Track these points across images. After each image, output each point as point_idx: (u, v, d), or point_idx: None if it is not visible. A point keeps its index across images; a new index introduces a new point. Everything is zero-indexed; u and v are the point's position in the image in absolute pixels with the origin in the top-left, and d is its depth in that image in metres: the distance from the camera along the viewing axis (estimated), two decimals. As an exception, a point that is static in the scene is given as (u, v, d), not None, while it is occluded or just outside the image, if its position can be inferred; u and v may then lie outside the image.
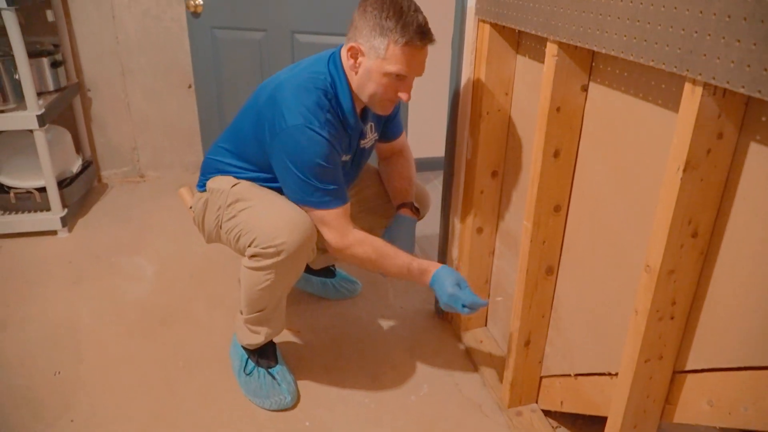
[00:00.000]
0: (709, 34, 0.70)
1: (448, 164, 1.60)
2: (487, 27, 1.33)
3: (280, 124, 1.23)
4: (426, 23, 1.20)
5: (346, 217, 1.32)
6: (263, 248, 1.25)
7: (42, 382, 1.50)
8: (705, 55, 0.71)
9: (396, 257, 1.31)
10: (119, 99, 2.60)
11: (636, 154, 0.98)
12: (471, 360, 1.61)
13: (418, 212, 1.54)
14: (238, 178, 1.39)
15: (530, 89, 1.31)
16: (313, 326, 1.75)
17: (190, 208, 1.51)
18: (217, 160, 1.43)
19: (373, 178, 1.61)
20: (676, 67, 0.76)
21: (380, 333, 1.73)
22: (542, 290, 1.28)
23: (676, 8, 0.75)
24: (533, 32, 1.12)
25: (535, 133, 1.15)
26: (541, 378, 1.39)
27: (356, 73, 1.26)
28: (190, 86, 2.61)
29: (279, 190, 1.35)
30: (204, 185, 1.44)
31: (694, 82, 0.74)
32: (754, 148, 0.76)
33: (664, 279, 0.85)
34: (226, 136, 1.45)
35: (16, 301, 1.83)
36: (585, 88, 1.10)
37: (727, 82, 0.69)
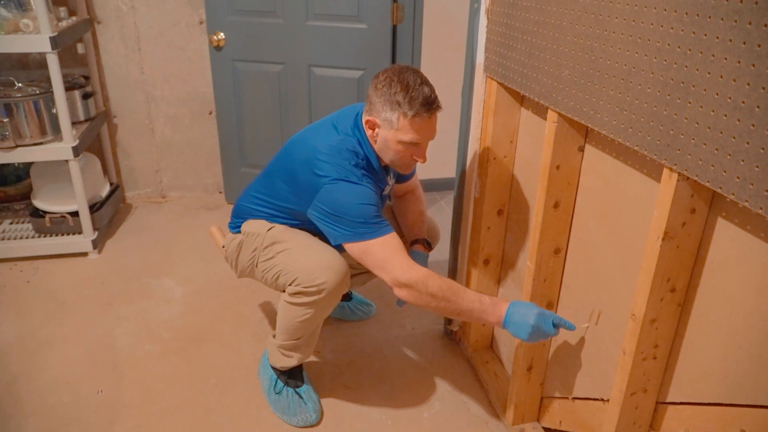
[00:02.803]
0: (683, 134, 0.85)
1: (457, 202, 1.75)
2: (495, 83, 1.48)
3: (322, 182, 1.35)
4: (431, 93, 1.34)
5: (404, 249, 1.33)
6: (305, 287, 1.40)
7: (87, 400, 1.66)
8: (679, 150, 0.86)
9: (467, 290, 1.31)
10: (143, 125, 2.75)
11: (623, 212, 1.13)
12: (478, 379, 1.76)
13: (430, 247, 1.69)
14: (271, 222, 1.54)
15: (532, 139, 1.46)
16: (333, 347, 1.90)
17: (223, 247, 1.66)
18: (251, 207, 1.58)
19: (387, 215, 1.76)
20: (656, 155, 0.91)
21: (394, 353, 1.88)
22: (543, 322, 1.43)
23: (656, 107, 0.90)
24: (535, 99, 1.27)
25: (536, 178, 1.30)
26: (542, 398, 1.54)
27: (375, 141, 1.41)
28: (211, 113, 2.76)
29: (311, 232, 1.49)
30: (238, 227, 1.59)
31: (671, 169, 0.89)
32: (721, 222, 0.91)
33: (647, 326, 1.00)
34: (258, 188, 1.59)
35: (55, 322, 1.99)
36: (581, 149, 1.25)
37: (696, 176, 0.84)
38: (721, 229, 0.92)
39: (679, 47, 0.84)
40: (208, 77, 2.66)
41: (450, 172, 1.75)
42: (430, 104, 1.33)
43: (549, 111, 1.22)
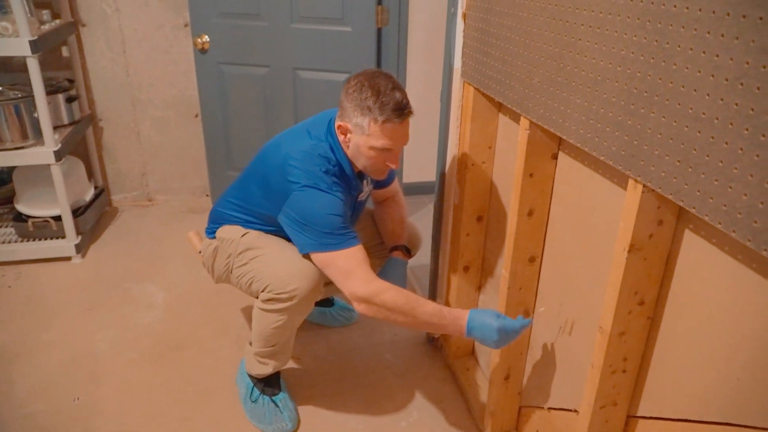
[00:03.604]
0: (646, 145, 0.83)
1: (437, 208, 1.73)
2: (472, 89, 1.46)
3: (293, 188, 1.34)
4: (403, 99, 1.31)
5: (368, 262, 1.33)
6: (277, 294, 1.39)
7: (63, 408, 1.64)
8: (643, 161, 0.84)
9: (426, 303, 1.29)
10: (129, 128, 2.74)
11: (594, 221, 1.11)
12: (458, 387, 1.74)
13: (409, 253, 1.67)
14: (245, 228, 1.52)
15: (510, 145, 1.44)
16: (313, 354, 1.88)
17: (200, 252, 1.65)
18: (226, 213, 1.57)
19: (368, 220, 1.74)
20: (621, 166, 0.89)
21: (374, 360, 1.86)
22: (520, 331, 1.41)
23: (620, 117, 0.88)
24: (509, 106, 1.25)
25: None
26: (520, 407, 1.52)
27: (348, 147, 1.39)
28: (196, 116, 2.75)
29: (284, 238, 1.48)
30: (213, 233, 1.58)
31: (636, 180, 0.87)
32: (689, 235, 0.89)
33: (615, 339, 0.98)
34: (234, 193, 1.58)
35: (36, 328, 1.97)
36: (555, 157, 1.23)
37: (660, 188, 0.82)
38: (689, 241, 0.90)
39: (642, 56, 0.82)
40: (193, 80, 2.64)
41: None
42: (402, 110, 1.31)
43: (521, 118, 1.20)
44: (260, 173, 1.47)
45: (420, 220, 2.73)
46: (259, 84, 2.47)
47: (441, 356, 1.87)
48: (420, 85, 2.68)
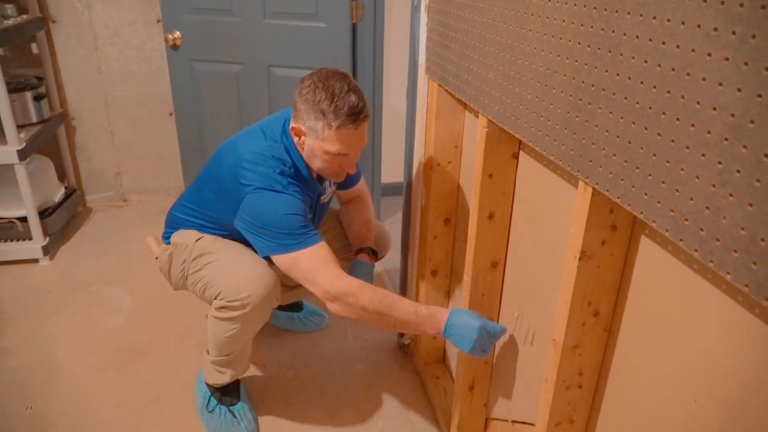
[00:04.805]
0: (594, 144, 0.77)
1: (405, 210, 1.66)
2: (436, 85, 1.39)
3: (246, 191, 1.27)
4: (358, 102, 1.23)
5: (334, 259, 1.26)
6: (229, 301, 1.32)
7: (14, 417, 1.57)
8: (591, 161, 0.77)
9: (401, 300, 1.23)
10: (102, 127, 2.67)
11: (553, 224, 1.04)
12: (427, 395, 1.67)
13: (375, 256, 1.61)
14: (200, 232, 1.45)
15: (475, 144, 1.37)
16: (278, 360, 1.81)
17: (156, 258, 1.58)
18: (181, 217, 1.50)
19: (333, 221, 1.67)
20: (569, 166, 0.82)
21: (343, 367, 1.79)
22: (484, 339, 1.34)
23: (569, 113, 0.81)
24: (468, 103, 1.18)
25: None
26: (487, 419, 1.45)
27: (302, 149, 1.32)
28: (171, 114, 2.68)
29: (242, 242, 1.41)
30: (168, 238, 1.51)
31: (585, 182, 0.80)
32: (645, 241, 0.82)
33: (568, 353, 0.91)
34: (189, 197, 1.51)
35: (-5, 333, 1.91)
36: (515, 156, 1.16)
37: (607, 191, 0.75)
38: (645, 247, 0.83)
39: (589, 46, 0.75)
40: (167, 77, 2.58)
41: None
42: (357, 114, 1.23)
43: (479, 116, 1.14)
44: (214, 176, 1.40)
45: (397, 223, 2.65)
46: (233, 81, 2.40)
47: (411, 363, 1.80)
48: (396, 82, 2.61)
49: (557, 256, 1.04)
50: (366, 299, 1.21)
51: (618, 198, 0.73)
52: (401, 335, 1.84)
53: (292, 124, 1.30)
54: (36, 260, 2.31)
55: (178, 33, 2.34)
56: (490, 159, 1.14)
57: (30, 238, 2.29)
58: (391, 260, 2.23)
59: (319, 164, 1.31)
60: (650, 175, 0.67)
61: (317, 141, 1.26)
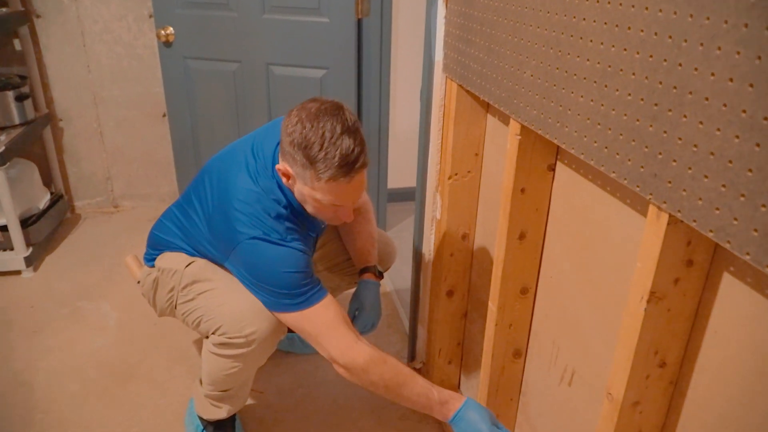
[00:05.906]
0: (675, 161, 0.61)
1: (418, 223, 1.50)
2: (455, 85, 1.23)
3: (239, 239, 1.11)
4: (353, 148, 1.01)
5: (342, 318, 1.13)
6: (230, 338, 1.16)
7: (-15, 453, 1.42)
8: (670, 182, 0.62)
9: (414, 381, 1.12)
10: (91, 128, 2.51)
11: (601, 250, 0.88)
12: (441, 428, 1.51)
13: (381, 275, 1.45)
14: (190, 257, 1.28)
15: (501, 152, 1.21)
16: (278, 386, 1.65)
17: (138, 282, 1.41)
18: (165, 239, 1.33)
19: (332, 234, 1.50)
20: (638, 186, 0.66)
21: (347, 394, 1.63)
22: (509, 373, 1.18)
23: (638, 120, 0.65)
24: (496, 106, 1.02)
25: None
26: (511, 460, 1.29)
27: (292, 190, 1.14)
28: (164, 115, 2.52)
29: None
30: (153, 260, 1.34)
31: (659, 207, 0.64)
32: (728, 279, 0.66)
33: (627, 410, 0.75)
34: (176, 219, 1.32)
35: (-31, 355, 1.75)
36: (552, 168, 1.00)
37: (694, 221, 0.59)
38: (726, 287, 0.67)
39: (670, 37, 0.60)
40: (159, 76, 2.42)
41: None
42: (351, 164, 1.02)
43: (511, 121, 0.98)
44: (204, 207, 1.21)
45: (405, 230, 2.50)
46: (230, 81, 2.25)
47: (423, 391, 1.64)
48: (405, 81, 2.45)
49: (604, 286, 0.89)
50: (377, 375, 1.11)
51: (710, 232, 0.57)
52: (412, 359, 1.69)
53: (278, 165, 1.11)
54: (18, 272, 2.15)
55: (171, 29, 2.18)
56: (523, 171, 0.99)
57: (11, 248, 2.13)
58: (402, 278, 2.08)
59: (312, 210, 1.14)
60: (764, 205, 0.51)
61: (307, 188, 1.08)
